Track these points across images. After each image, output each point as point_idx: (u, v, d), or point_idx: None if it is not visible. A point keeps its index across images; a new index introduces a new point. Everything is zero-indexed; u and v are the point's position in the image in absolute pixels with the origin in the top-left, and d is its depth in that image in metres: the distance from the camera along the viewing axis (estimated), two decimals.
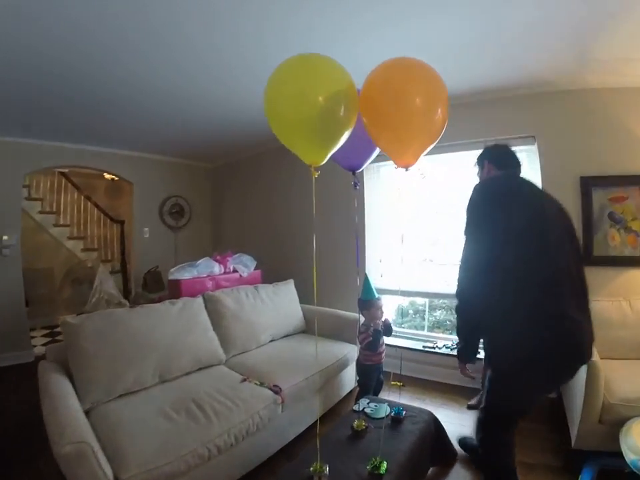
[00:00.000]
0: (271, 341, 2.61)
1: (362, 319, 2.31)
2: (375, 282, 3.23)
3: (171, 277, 2.62)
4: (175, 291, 2.58)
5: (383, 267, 3.35)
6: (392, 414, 1.74)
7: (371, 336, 2.15)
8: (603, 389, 1.66)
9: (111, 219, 5.33)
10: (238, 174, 4.56)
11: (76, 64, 2.03)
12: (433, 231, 3.23)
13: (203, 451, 1.44)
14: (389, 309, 3.46)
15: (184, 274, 2.63)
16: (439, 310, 4.06)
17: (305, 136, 1.17)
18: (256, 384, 1.94)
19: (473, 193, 1.28)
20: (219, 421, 1.57)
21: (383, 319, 2.25)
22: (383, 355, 2.29)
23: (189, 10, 1.58)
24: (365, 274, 2.30)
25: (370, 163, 3.13)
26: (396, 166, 1.30)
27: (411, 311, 4.01)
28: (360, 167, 1.93)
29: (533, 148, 2.59)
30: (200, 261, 2.76)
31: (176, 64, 2.11)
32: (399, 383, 2.59)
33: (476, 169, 1.57)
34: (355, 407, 1.87)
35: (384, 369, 2.33)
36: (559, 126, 2.49)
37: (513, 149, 1.50)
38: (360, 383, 2.33)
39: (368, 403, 1.89)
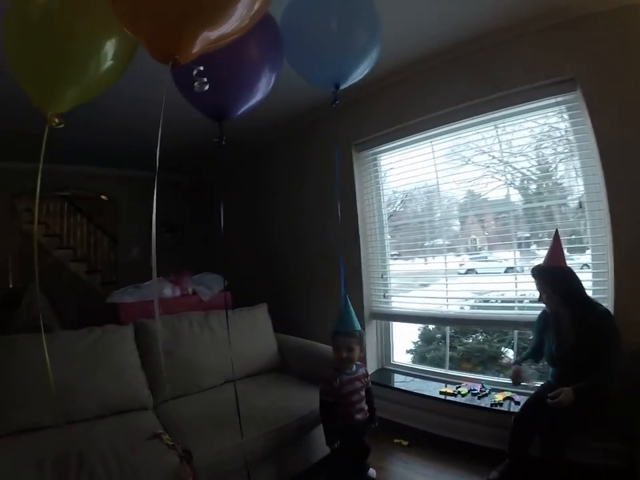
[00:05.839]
0: (225, 382, 2.01)
1: None
2: (376, 305, 2.58)
3: (108, 300, 2.17)
4: (113, 316, 2.11)
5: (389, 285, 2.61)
6: None
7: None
8: None
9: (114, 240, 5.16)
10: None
11: None
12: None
13: None
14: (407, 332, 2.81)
15: (124, 297, 2.16)
16: (472, 335, 3.17)
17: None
18: (167, 443, 1.37)
19: None
20: None
21: (358, 372, 1.62)
22: (363, 413, 1.61)
23: None
24: (345, 296, 1.62)
25: (364, 150, 2.57)
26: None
27: (439, 335, 3.15)
28: (231, 109, 1.21)
29: (575, 97, 1.76)
30: (147, 282, 2.28)
31: None
32: (403, 442, 2.02)
33: None
34: None
35: (377, 420, 1.69)
36: (612, 57, 1.60)
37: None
38: (331, 449, 1.64)
39: None
